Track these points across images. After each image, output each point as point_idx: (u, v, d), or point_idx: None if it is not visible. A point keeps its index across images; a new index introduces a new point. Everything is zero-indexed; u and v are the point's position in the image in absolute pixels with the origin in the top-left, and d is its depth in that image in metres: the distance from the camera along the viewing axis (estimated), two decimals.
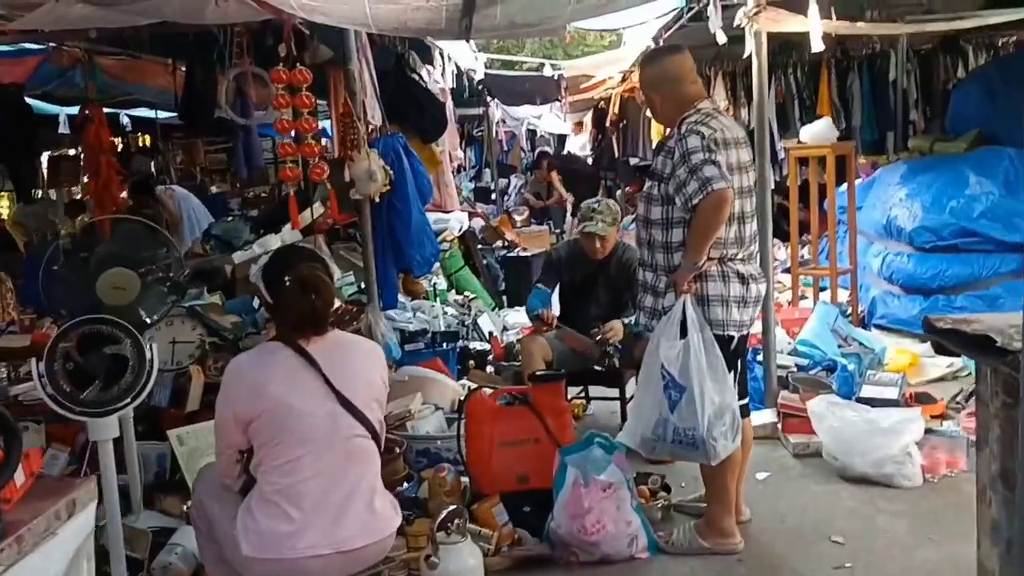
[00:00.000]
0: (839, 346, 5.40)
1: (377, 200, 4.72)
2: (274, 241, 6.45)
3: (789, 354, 5.32)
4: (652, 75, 3.46)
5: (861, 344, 5.49)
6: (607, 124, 12.19)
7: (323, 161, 4.35)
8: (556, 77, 10.97)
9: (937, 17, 6.08)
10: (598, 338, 4.58)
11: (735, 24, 4.73)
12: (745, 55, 4.78)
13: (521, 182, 13.61)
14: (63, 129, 8.13)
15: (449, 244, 7.24)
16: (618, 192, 12.41)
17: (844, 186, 6.76)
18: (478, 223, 9.01)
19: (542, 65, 11.68)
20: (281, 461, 2.59)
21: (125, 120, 10.13)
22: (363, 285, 5.21)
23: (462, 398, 4.14)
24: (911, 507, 3.72)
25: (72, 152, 10.73)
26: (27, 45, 5.83)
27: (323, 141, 9.37)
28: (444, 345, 5.21)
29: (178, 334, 4.28)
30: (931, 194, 6.19)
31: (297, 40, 4.24)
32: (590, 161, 13.81)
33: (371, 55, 5.06)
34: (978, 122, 6.71)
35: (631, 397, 4.22)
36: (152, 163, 11.71)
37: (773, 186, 8.13)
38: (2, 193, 12.15)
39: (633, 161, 11.26)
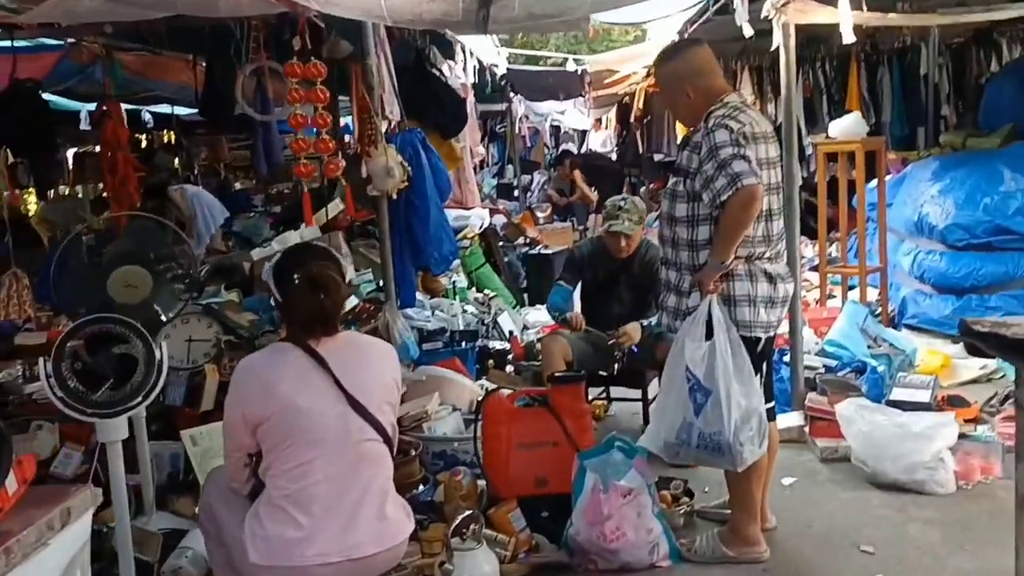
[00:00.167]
0: (868, 347, 5.26)
1: (395, 196, 4.65)
2: (293, 238, 6.39)
3: (817, 355, 5.20)
4: (672, 72, 3.31)
5: (891, 345, 5.35)
6: (631, 120, 12.06)
7: (338, 157, 4.27)
8: (580, 72, 10.86)
9: (971, 8, 5.90)
10: (611, 342, 4.49)
11: (762, 16, 4.62)
12: (772, 48, 4.66)
13: (544, 178, 13.50)
14: (84, 126, 8.13)
15: (470, 241, 7.16)
16: (642, 189, 12.27)
17: (874, 182, 6.61)
18: (499, 220, 8.91)
19: (565, 60, 11.57)
20: (290, 465, 2.51)
21: (147, 117, 10.12)
22: (381, 283, 5.14)
23: (480, 399, 4.06)
24: (944, 515, 3.60)
25: (97, 149, 10.76)
26: (45, 41, 5.81)
27: (346, 138, 9.38)
28: (463, 344, 5.12)
29: (194, 332, 4.22)
30: (964, 190, 6.03)
31: (313, 33, 4.17)
32: (614, 157, 13.67)
33: (389, 50, 4.98)
34: (1012, 116, 6.52)
35: (653, 398, 4.12)
36: (176, 160, 11.74)
37: (801, 182, 8.03)
38: (30, 189, 12.21)
39: (657, 157, 11.13)
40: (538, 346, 5.30)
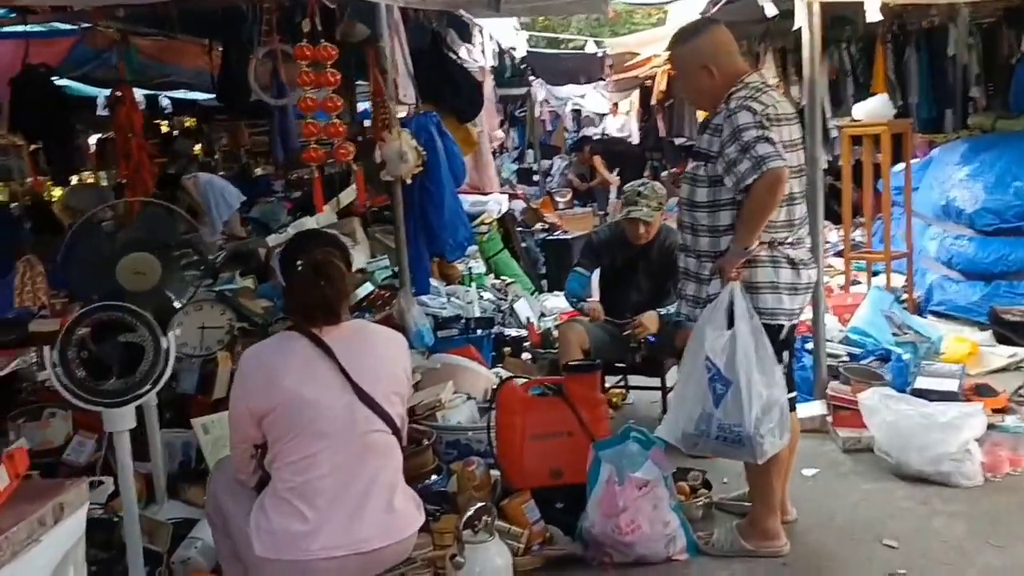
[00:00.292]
0: (893, 334, 5.15)
1: (409, 182, 4.57)
2: (309, 223, 6.36)
3: (840, 342, 5.09)
4: (691, 52, 3.16)
5: (916, 332, 5.23)
6: (653, 103, 11.91)
7: (349, 142, 4.20)
8: (600, 55, 10.72)
9: None
10: (625, 332, 4.41)
11: None
12: (795, 28, 4.53)
13: (565, 163, 13.39)
14: (102, 111, 8.10)
15: (487, 227, 7.08)
16: (664, 173, 12.13)
17: (900, 166, 6.47)
18: (518, 205, 8.82)
19: (585, 43, 11.43)
20: (295, 457, 2.46)
21: (166, 102, 10.10)
22: (396, 270, 5.08)
23: (495, 387, 3.99)
24: (971, 508, 3.49)
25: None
26: (59, 26, 5.78)
27: (366, 123, 9.30)
28: (478, 331, 5.05)
29: (207, 319, 4.18)
30: (994, 174, 5.88)
31: (325, 15, 4.09)
32: (636, 141, 13.53)
33: (404, 32, 4.90)
34: None
35: (672, 387, 4.04)
36: (197, 146, 11.73)
37: (826, 166, 7.88)
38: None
39: (679, 141, 11.00)
40: (555, 333, 5.22)
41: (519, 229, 8.03)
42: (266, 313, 4.85)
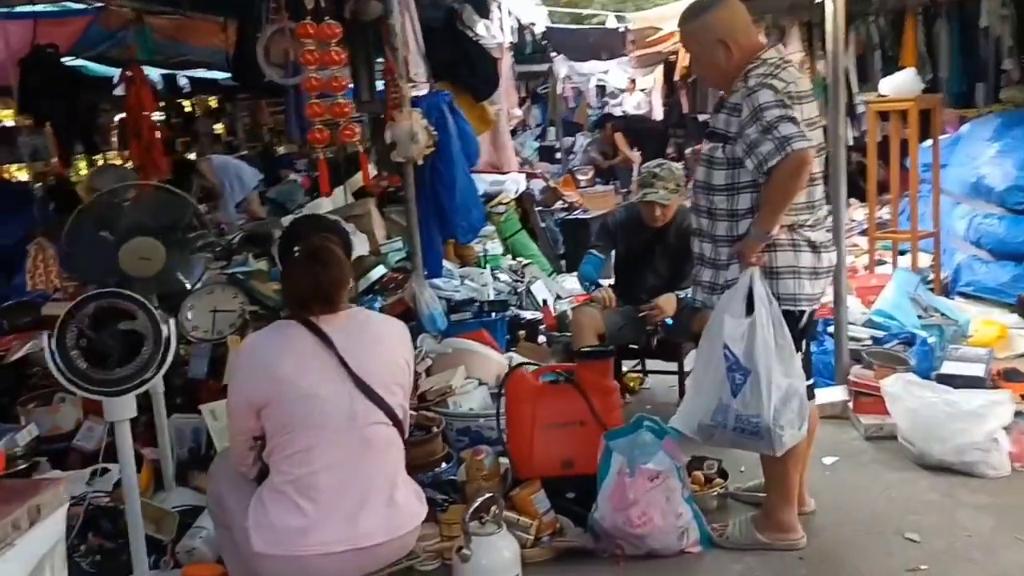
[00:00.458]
0: (919, 317, 4.99)
1: (420, 163, 4.48)
2: (325, 204, 6.30)
3: (863, 325, 4.95)
4: (706, 26, 2.98)
5: (943, 315, 5.07)
6: (676, 79, 11.69)
7: (355, 122, 4.10)
8: (622, 30, 10.52)
9: None
10: (641, 315, 4.31)
11: None
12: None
13: (588, 140, 13.21)
14: (119, 91, 8.07)
15: (505, 207, 6.97)
16: (688, 150, 11.93)
17: (928, 142, 6.28)
18: (537, 184, 8.70)
19: (607, 18, 11.24)
20: (293, 450, 2.40)
21: (184, 82, 10.06)
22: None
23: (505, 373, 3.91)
24: (997, 500, 3.37)
25: None
26: (71, 5, 5.73)
27: None
28: (492, 315, 4.95)
29: (219, 303, 4.12)
30: None
31: None
32: (660, 117, 13.31)
33: (415, 9, 4.79)
34: None
35: (690, 371, 3.94)
36: (218, 125, 11.70)
37: (852, 143, 7.68)
38: (78, 157, 12.26)
39: (703, 118, 10.78)
40: (570, 316, 5.13)
41: (538, 209, 7.91)
42: (278, 296, 4.80)
